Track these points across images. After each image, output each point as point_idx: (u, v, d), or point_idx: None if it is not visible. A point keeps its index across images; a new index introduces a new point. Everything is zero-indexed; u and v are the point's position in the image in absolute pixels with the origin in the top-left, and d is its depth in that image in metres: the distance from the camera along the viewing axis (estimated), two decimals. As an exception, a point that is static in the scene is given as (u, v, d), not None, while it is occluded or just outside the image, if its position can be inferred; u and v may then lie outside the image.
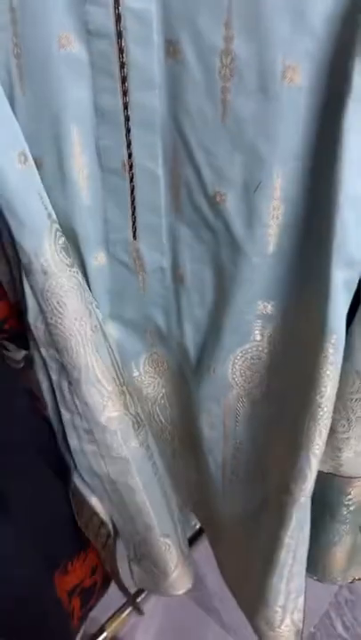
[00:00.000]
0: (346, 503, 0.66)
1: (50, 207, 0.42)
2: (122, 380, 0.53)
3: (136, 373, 0.60)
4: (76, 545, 0.67)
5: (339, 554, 0.75)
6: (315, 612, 1.09)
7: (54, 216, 0.43)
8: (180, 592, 0.76)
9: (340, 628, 1.08)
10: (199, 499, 0.76)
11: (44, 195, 0.42)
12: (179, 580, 0.73)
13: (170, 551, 0.69)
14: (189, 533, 0.98)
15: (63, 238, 0.43)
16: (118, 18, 0.37)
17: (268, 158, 0.38)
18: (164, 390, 0.61)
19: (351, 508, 0.67)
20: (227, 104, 0.38)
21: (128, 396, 0.54)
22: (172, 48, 0.37)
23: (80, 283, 0.45)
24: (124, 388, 0.53)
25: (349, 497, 0.64)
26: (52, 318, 0.46)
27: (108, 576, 0.73)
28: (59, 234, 0.43)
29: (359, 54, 0.31)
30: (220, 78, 0.37)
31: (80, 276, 0.45)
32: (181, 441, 0.66)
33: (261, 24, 0.33)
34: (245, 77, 0.36)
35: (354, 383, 0.45)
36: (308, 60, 0.34)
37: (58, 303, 0.45)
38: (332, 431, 0.49)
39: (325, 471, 0.53)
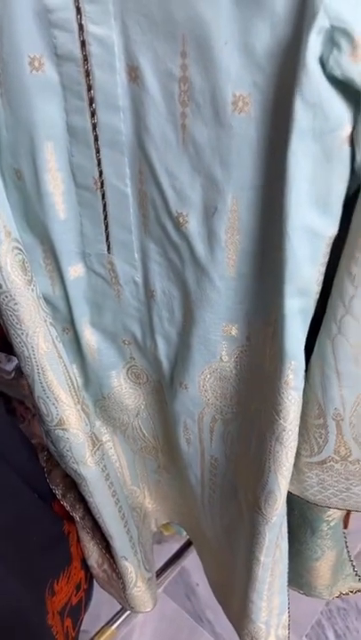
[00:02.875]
0: (326, 519, 0.67)
1: (10, 224, 0.45)
2: (77, 399, 0.56)
3: (116, 383, 0.63)
4: (59, 562, 0.70)
5: (323, 569, 0.77)
6: (306, 620, 1.10)
7: (15, 234, 0.46)
8: (140, 611, 0.78)
9: (331, 637, 1.09)
10: (184, 511, 0.79)
11: (4, 212, 0.45)
12: (137, 599, 0.76)
13: (128, 572, 0.72)
14: (181, 542, 1.00)
15: (21, 256, 0.46)
16: (83, 43, 0.40)
17: (224, 185, 0.40)
18: (144, 402, 0.64)
19: (332, 524, 0.69)
20: (186, 129, 0.40)
21: (84, 416, 0.57)
22: (133, 73, 0.40)
23: (36, 299, 0.48)
24: (80, 407, 0.56)
25: (329, 512, 0.65)
26: (8, 330, 0.49)
27: (90, 590, 0.76)
28: (16, 251, 0.46)
29: (299, 90, 0.32)
30: (180, 104, 0.39)
31: (36, 294, 0.48)
32: (165, 455, 0.68)
33: (212, 56, 0.35)
34: (201, 105, 0.38)
35: (315, 409, 0.46)
36: (257, 91, 0.36)
37: (12, 317, 0.48)
38: (297, 454, 0.50)
39: (293, 492, 0.54)
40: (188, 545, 0.99)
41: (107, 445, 0.69)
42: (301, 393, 0.45)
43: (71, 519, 0.73)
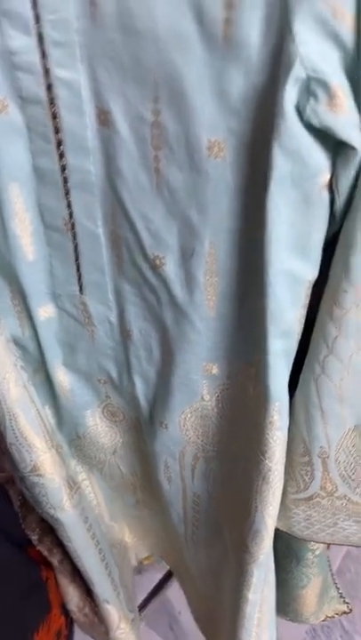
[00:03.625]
0: (311, 548, 0.67)
1: None
2: (52, 443, 0.54)
3: (91, 422, 0.62)
4: (38, 612, 0.67)
5: (309, 597, 0.77)
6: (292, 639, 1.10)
7: None
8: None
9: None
10: (166, 545, 0.78)
11: None
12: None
13: (111, 615, 0.70)
14: (162, 572, 0.99)
15: None
16: (49, 86, 0.39)
17: (200, 228, 0.40)
18: (121, 440, 0.63)
19: (317, 552, 0.69)
20: (159, 173, 0.39)
21: (59, 459, 0.56)
22: (103, 117, 0.39)
23: (5, 343, 0.47)
24: (55, 450, 0.55)
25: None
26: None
27: (71, 636, 0.74)
28: None
29: (277, 138, 0.32)
30: (153, 148, 0.38)
31: (5, 337, 0.47)
32: (144, 491, 0.67)
33: (185, 101, 0.35)
34: (175, 149, 0.37)
35: (300, 447, 0.46)
36: (233, 137, 0.35)
37: None
38: (284, 491, 0.50)
39: (280, 528, 0.54)
40: (169, 575, 0.97)
41: (83, 484, 0.68)
42: (286, 432, 0.45)
43: (49, 564, 0.71)
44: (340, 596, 0.85)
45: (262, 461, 0.46)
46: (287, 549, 0.66)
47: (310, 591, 0.74)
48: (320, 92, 0.31)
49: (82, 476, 0.67)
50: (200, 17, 0.32)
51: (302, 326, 0.41)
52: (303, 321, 0.41)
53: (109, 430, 0.62)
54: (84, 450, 0.65)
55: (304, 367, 0.42)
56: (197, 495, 0.60)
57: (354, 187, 0.34)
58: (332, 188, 0.34)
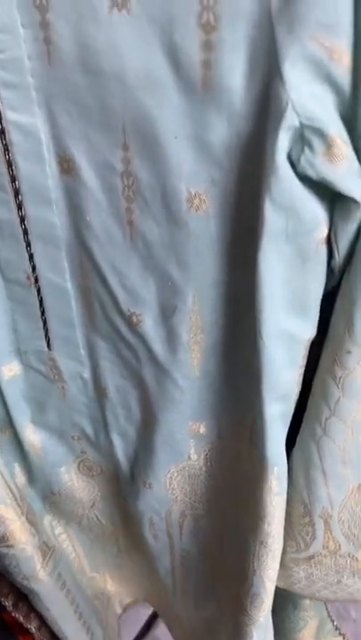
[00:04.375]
0: (308, 594, 0.64)
1: None
2: (22, 510, 0.50)
3: (66, 479, 0.58)
4: None
5: (306, 637, 0.74)
6: None
7: None
8: None
9: None
10: (152, 593, 0.74)
11: None
12: None
13: None
14: (148, 609, 0.95)
15: None
16: (2, 131, 0.34)
17: (182, 284, 0.36)
18: (99, 494, 0.59)
19: (315, 597, 0.66)
20: (133, 226, 0.35)
21: (29, 526, 0.52)
22: (66, 164, 0.35)
23: None
24: (25, 517, 0.51)
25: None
26: None
27: None
28: None
29: (268, 191, 0.29)
30: (125, 199, 0.34)
31: None
32: (126, 539, 0.63)
33: (159, 151, 0.31)
34: (149, 201, 0.34)
35: (300, 509, 0.43)
36: (216, 188, 0.32)
37: None
38: (283, 550, 0.47)
39: (279, 586, 0.51)
40: (156, 614, 0.94)
41: (60, 538, 0.63)
42: (285, 496, 0.41)
43: (25, 631, 0.66)
44: (336, 629, 0.82)
45: (260, 526, 0.43)
46: (283, 598, 0.63)
47: (307, 632, 0.71)
48: (316, 142, 0.27)
49: (58, 530, 0.63)
50: (175, 58, 0.28)
51: (300, 386, 0.38)
52: (301, 380, 0.37)
53: (86, 485, 0.58)
54: (60, 506, 0.60)
55: (303, 428, 0.39)
56: (186, 551, 0.56)
57: (355, 241, 0.30)
58: (330, 241, 0.31)
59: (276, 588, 0.59)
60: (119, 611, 0.84)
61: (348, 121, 0.28)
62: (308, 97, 0.27)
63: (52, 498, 0.61)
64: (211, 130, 0.30)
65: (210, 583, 0.57)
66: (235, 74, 0.28)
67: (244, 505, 0.44)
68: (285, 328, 0.34)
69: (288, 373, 0.36)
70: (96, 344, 0.44)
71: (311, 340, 0.36)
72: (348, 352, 0.33)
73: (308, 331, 0.35)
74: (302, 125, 0.27)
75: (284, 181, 0.28)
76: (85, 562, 0.72)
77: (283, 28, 0.26)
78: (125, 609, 0.96)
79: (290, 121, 0.27)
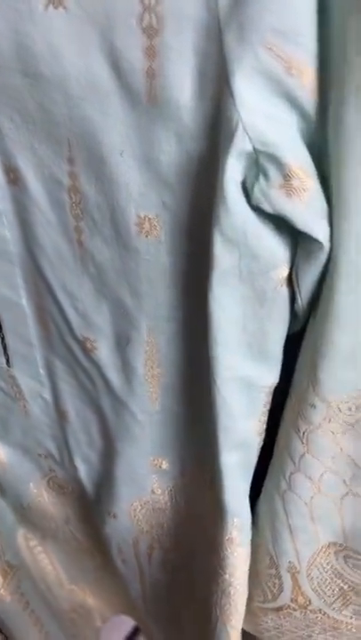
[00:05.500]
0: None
1: None
2: None
3: (36, 494, 0.55)
4: None
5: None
6: None
7: None
8: None
9: None
10: (129, 608, 0.71)
11: None
12: None
13: None
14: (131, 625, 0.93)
15: None
16: None
17: (135, 313, 0.32)
18: (72, 510, 0.56)
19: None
20: (83, 246, 0.32)
21: None
22: (12, 174, 0.32)
23: None
24: None
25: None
26: None
27: None
28: None
29: (217, 223, 0.25)
30: (73, 217, 0.31)
31: None
32: (103, 554, 0.61)
33: (105, 168, 0.28)
34: (98, 221, 0.30)
35: (266, 559, 0.39)
36: (168, 214, 0.28)
37: None
38: (250, 597, 0.43)
39: (249, 631, 0.47)
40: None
41: (35, 550, 0.61)
42: (249, 547, 0.38)
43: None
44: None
45: (222, 575, 0.40)
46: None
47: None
48: (272, 171, 0.23)
49: (33, 542, 0.61)
50: (117, 65, 0.25)
51: (263, 436, 0.34)
52: (264, 429, 0.34)
53: (57, 502, 0.56)
54: (32, 519, 0.58)
55: (267, 478, 0.35)
56: (156, 579, 0.53)
57: (319, 285, 0.26)
58: (292, 281, 0.27)
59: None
60: (99, 624, 0.82)
61: (316, 150, 0.24)
62: (262, 118, 0.23)
63: (22, 511, 0.59)
64: (159, 148, 0.26)
65: (179, 613, 0.55)
66: (182, 85, 0.24)
67: (207, 550, 0.41)
68: (242, 374, 0.30)
69: (246, 422, 0.32)
70: (55, 365, 0.41)
71: (273, 386, 0.32)
72: (313, 406, 0.29)
73: (269, 377, 0.31)
74: (256, 151, 0.23)
75: (235, 214, 0.24)
76: (63, 574, 0.70)
77: (232, 34, 0.22)
78: (106, 622, 0.94)
79: (241, 144, 0.23)
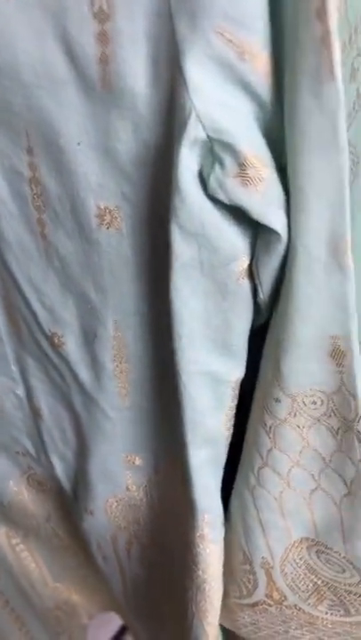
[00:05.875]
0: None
1: None
2: None
3: (16, 491, 0.55)
4: None
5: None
6: None
7: None
8: None
9: None
10: (115, 605, 0.71)
11: None
12: None
13: None
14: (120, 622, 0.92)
15: None
16: None
17: (101, 308, 0.32)
18: (53, 506, 0.56)
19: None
20: (46, 239, 0.31)
21: None
22: (-27, 165, 0.31)
23: None
24: None
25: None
26: None
27: None
28: None
29: (174, 215, 0.24)
30: (35, 209, 0.30)
31: None
32: (85, 553, 0.60)
33: (63, 158, 0.27)
34: (60, 214, 0.29)
35: (240, 555, 0.39)
36: (128, 204, 0.28)
37: None
38: (225, 593, 0.43)
39: (226, 626, 0.47)
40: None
41: (18, 548, 0.61)
42: (222, 544, 0.37)
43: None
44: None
45: (195, 571, 0.39)
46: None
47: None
48: (227, 160, 0.23)
49: (16, 540, 0.60)
50: (70, 51, 0.24)
51: (231, 431, 0.33)
52: (232, 423, 0.33)
53: (38, 499, 0.55)
54: (13, 517, 0.58)
55: (238, 473, 0.35)
56: (136, 574, 0.53)
57: (279, 277, 0.26)
58: (252, 275, 0.27)
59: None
60: (86, 621, 0.81)
61: (273, 138, 0.23)
62: (216, 105, 0.22)
63: (2, 509, 0.58)
64: (116, 137, 0.26)
65: (160, 610, 0.54)
66: (136, 72, 0.23)
67: (182, 548, 0.41)
68: (208, 368, 0.30)
69: (213, 417, 0.32)
70: (26, 362, 0.40)
71: (240, 380, 0.31)
72: (278, 400, 0.28)
73: (235, 371, 0.31)
74: (210, 139, 0.23)
75: (191, 204, 0.24)
76: (47, 572, 0.69)
77: (183, 19, 0.21)
78: (92, 619, 0.94)
79: (194, 132, 0.23)
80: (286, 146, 0.23)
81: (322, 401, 0.28)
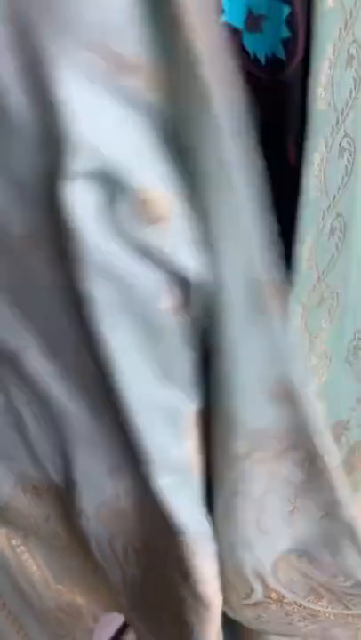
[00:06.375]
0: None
1: None
2: None
3: (12, 493, 0.54)
4: None
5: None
6: None
7: None
8: None
9: None
10: (121, 606, 0.72)
11: None
12: None
13: None
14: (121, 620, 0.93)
15: None
16: None
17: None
18: (51, 508, 0.55)
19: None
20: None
21: None
22: None
23: None
24: None
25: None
26: None
27: None
28: None
29: (77, 258, 0.21)
30: None
31: None
32: (85, 551, 0.60)
33: None
34: None
35: (230, 564, 0.37)
36: (44, 230, 0.24)
37: None
38: (225, 600, 0.42)
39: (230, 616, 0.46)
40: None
41: (18, 550, 0.61)
42: (213, 557, 0.36)
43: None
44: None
45: (189, 582, 0.38)
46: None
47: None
48: (123, 195, 0.19)
49: (16, 541, 0.60)
50: None
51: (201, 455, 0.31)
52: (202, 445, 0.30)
53: (35, 501, 0.55)
54: (11, 518, 0.57)
55: (213, 494, 0.32)
56: (133, 576, 0.53)
57: (207, 315, 0.22)
58: (179, 310, 0.23)
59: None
60: (92, 624, 0.81)
61: (175, 160, 0.19)
62: (101, 131, 0.18)
63: (0, 511, 0.58)
64: (10, 155, 0.21)
65: (159, 613, 0.54)
66: (8, 89, 0.19)
67: (175, 557, 0.39)
68: (158, 403, 0.26)
69: (176, 447, 0.29)
70: (3, 369, 0.38)
71: (199, 410, 0.28)
72: (235, 438, 0.25)
73: (188, 402, 0.27)
74: (101, 171, 0.18)
75: (91, 244, 0.20)
76: (49, 573, 0.69)
77: (49, 32, 0.16)
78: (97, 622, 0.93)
79: (82, 164, 0.18)
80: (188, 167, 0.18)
81: (282, 436, 0.25)
